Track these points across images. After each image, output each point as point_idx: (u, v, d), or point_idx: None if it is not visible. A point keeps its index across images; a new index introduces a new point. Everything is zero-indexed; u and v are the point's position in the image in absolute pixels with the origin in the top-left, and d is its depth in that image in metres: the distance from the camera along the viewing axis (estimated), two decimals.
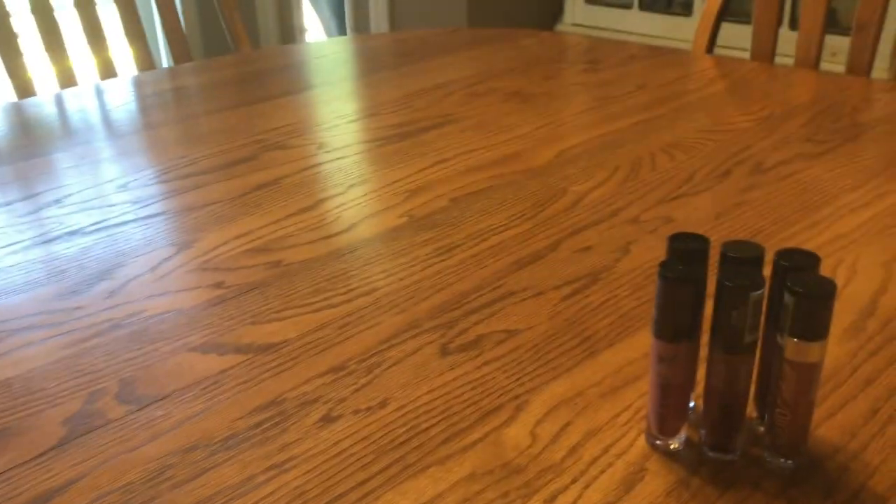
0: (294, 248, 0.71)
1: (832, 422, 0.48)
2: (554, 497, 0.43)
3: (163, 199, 0.82)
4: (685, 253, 0.44)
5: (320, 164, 0.90)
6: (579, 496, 0.43)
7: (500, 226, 0.73)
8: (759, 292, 0.41)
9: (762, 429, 0.46)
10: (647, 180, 0.81)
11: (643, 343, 0.55)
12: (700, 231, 0.72)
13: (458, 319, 0.59)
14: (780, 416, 0.43)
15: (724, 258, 0.44)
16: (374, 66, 1.31)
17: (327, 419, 0.49)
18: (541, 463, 0.45)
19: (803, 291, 0.40)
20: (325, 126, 1.02)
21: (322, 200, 0.80)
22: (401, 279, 0.65)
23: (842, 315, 0.57)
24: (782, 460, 0.44)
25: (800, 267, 0.43)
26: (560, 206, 0.77)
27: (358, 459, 0.46)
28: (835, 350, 0.53)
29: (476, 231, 0.72)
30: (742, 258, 0.44)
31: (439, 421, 0.49)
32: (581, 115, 1.02)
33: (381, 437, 0.48)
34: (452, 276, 0.65)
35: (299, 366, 0.55)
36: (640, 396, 0.50)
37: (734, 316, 0.41)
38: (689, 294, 0.42)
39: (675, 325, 0.42)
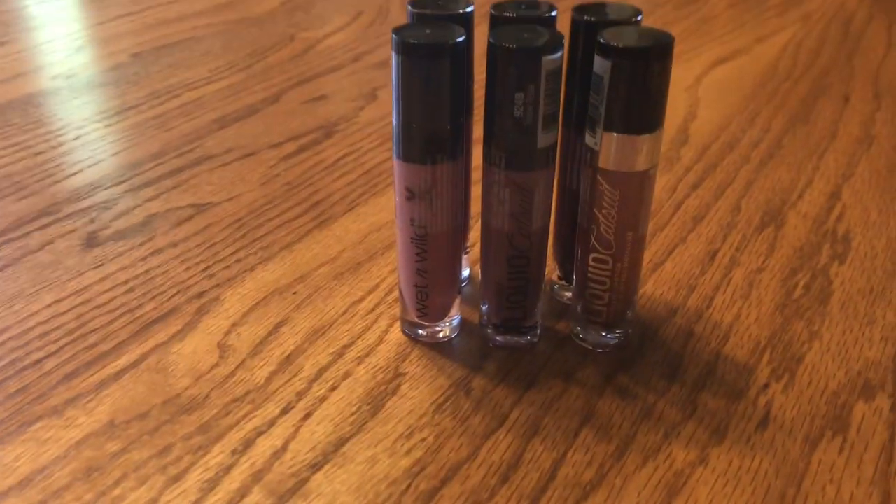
0: None
1: (661, 274, 0.33)
2: (250, 442, 0.25)
3: None
4: (435, 22, 0.26)
5: None
6: (294, 435, 0.25)
7: (200, 80, 0.53)
8: (556, 56, 0.24)
9: (569, 294, 0.31)
10: (399, 23, 0.64)
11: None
12: None
13: (118, 197, 0.39)
14: (598, 267, 0.27)
15: (497, 20, 0.27)
16: None
17: None
18: (231, 390, 0.27)
19: (625, 49, 0.24)
20: None
21: None
22: (36, 153, 0.43)
23: None
24: (603, 334, 0.29)
25: (614, 22, 0.27)
26: (285, 54, 0.57)
27: None
28: None
29: (163, 88, 0.51)
30: (523, 17, 0.27)
31: (65, 346, 0.29)
32: None
33: None
34: (119, 144, 0.44)
35: None
36: (394, 271, 0.33)
37: (519, 103, 0.24)
38: (446, 75, 0.25)
39: (426, 133, 0.25)
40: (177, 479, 0.24)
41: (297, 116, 0.47)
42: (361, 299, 0.32)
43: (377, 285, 0.33)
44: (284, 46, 0.58)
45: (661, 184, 0.40)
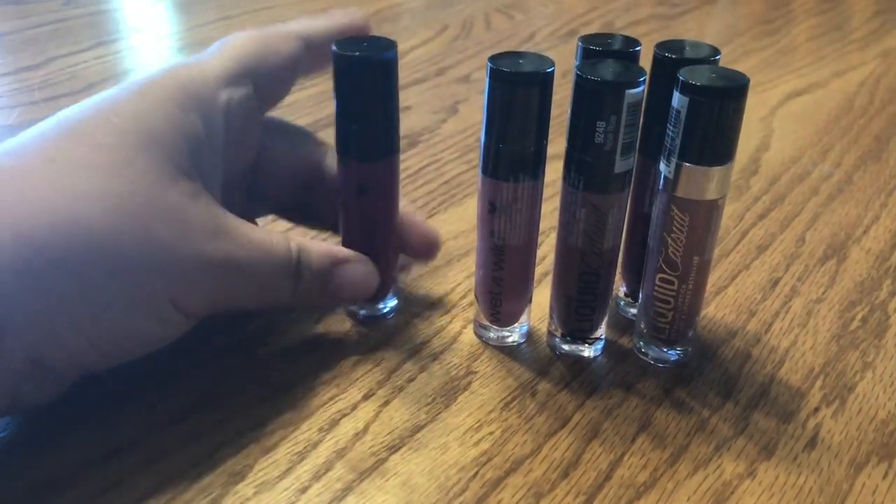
0: (2, 111, 0.51)
1: (723, 298, 0.35)
2: (335, 422, 0.28)
3: None
4: (518, 58, 0.29)
5: (62, 20, 0.69)
6: (374, 419, 0.28)
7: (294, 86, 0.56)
8: (638, 90, 0.26)
9: (634, 311, 0.33)
10: (481, 40, 0.67)
11: (472, 213, 0.41)
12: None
13: None
14: (663, 287, 0.29)
15: (585, 52, 0.29)
16: None
17: None
18: (320, 375, 0.30)
19: (703, 87, 0.26)
20: None
21: (54, 59, 0.60)
22: None
23: None
24: (664, 350, 0.31)
25: (693, 59, 0.29)
26: None
27: None
28: None
29: None
30: (609, 50, 0.29)
31: None
32: None
33: None
34: None
35: None
36: (469, 276, 0.36)
37: (601, 130, 0.26)
38: (532, 101, 0.27)
39: (512, 152, 0.28)
40: (269, 449, 0.26)
41: None
42: (437, 301, 0.34)
43: (453, 289, 0.35)
44: None
45: (729, 211, 0.41)
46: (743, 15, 0.76)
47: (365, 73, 0.28)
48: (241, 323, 0.32)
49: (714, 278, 0.36)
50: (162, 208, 0.25)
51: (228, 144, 0.29)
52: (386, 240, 0.32)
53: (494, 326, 0.32)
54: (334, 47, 0.28)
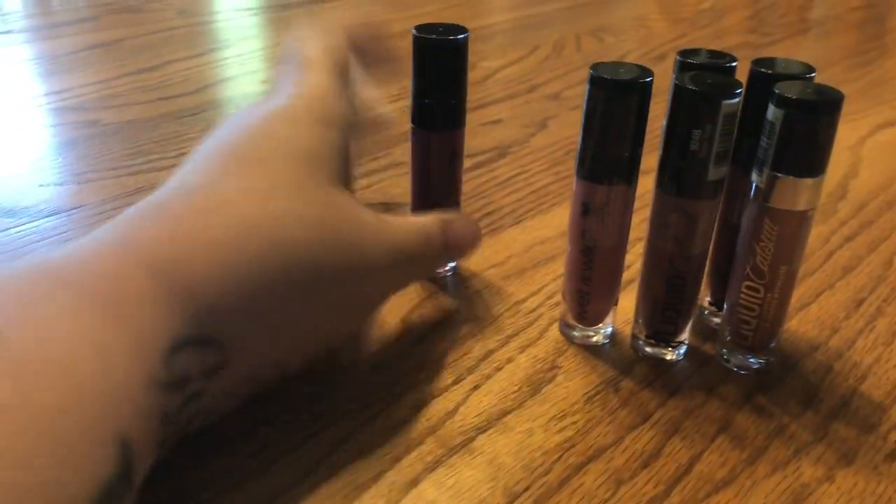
0: (119, 108, 0.55)
1: (807, 314, 0.36)
2: (427, 403, 0.29)
3: None
4: (618, 68, 0.30)
5: (175, 27, 0.73)
6: (463, 401, 0.29)
7: (389, 96, 0.59)
8: (734, 101, 0.27)
9: (717, 320, 0.34)
10: (571, 60, 0.68)
11: (560, 221, 0.42)
12: None
13: None
14: (750, 295, 0.30)
15: (683, 65, 0.31)
16: None
17: None
18: (413, 359, 0.32)
19: (799, 101, 0.27)
20: None
21: (169, 62, 0.64)
22: None
23: None
24: (747, 358, 0.32)
25: (788, 75, 0.30)
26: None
27: None
28: None
29: None
30: (706, 64, 0.30)
31: None
32: None
33: None
34: None
35: None
36: (555, 279, 0.37)
37: (696, 138, 0.28)
38: (630, 108, 0.28)
39: (607, 156, 0.29)
40: (370, 420, 0.28)
41: (476, 136, 0.52)
42: (525, 299, 0.36)
43: (539, 289, 0.36)
44: None
45: (815, 233, 0.42)
46: (835, 46, 0.76)
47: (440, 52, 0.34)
48: None
49: (798, 295, 0.37)
50: (345, 218, 0.27)
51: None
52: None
53: (580, 325, 0.33)
54: (414, 31, 0.33)
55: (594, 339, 0.33)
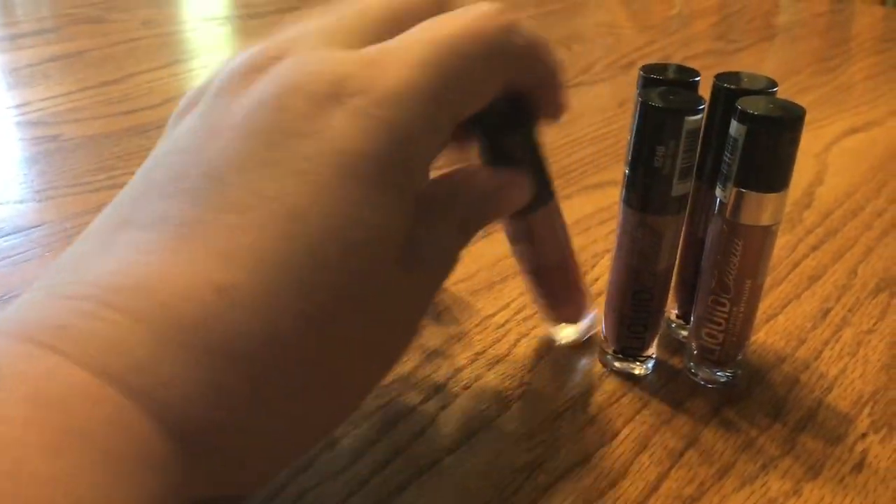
0: (82, 122, 0.54)
1: (773, 325, 0.36)
2: (392, 423, 0.29)
3: None
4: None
5: (140, 38, 0.72)
6: (431, 421, 0.29)
7: None
8: (696, 117, 0.27)
9: (685, 333, 0.34)
10: None
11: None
12: (599, 120, 0.58)
13: None
14: (716, 309, 0.30)
15: (646, 80, 0.31)
16: None
17: None
18: None
19: (761, 117, 0.27)
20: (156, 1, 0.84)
21: (132, 74, 0.63)
22: None
23: None
24: (714, 372, 0.32)
25: (750, 90, 0.30)
26: None
27: None
28: None
29: None
30: (669, 80, 0.30)
31: None
32: None
33: None
34: None
35: (53, 253, 0.39)
36: (522, 294, 0.37)
37: (660, 155, 0.28)
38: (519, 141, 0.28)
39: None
40: (334, 443, 0.28)
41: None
42: (493, 314, 0.35)
43: (508, 304, 0.36)
44: None
45: (781, 242, 0.42)
46: (801, 52, 0.77)
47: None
48: None
49: (765, 306, 0.37)
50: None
51: None
52: None
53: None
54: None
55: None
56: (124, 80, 0.62)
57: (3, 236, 0.40)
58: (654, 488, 0.27)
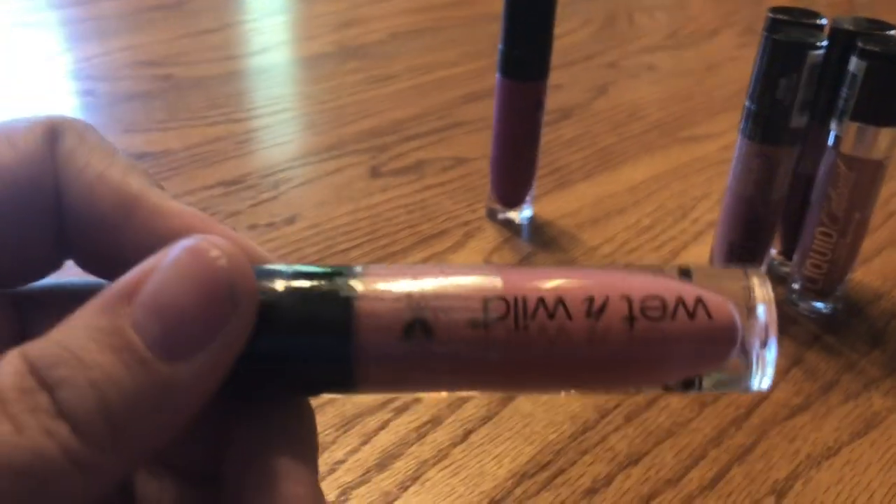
0: (189, 65, 0.57)
1: (870, 267, 0.37)
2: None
3: (41, 12, 0.66)
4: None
5: None
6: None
7: (449, 62, 0.60)
8: (819, 52, 0.29)
9: (786, 269, 0.35)
10: (625, 33, 0.69)
11: (627, 177, 0.44)
12: (690, 81, 0.59)
13: (393, 144, 0.46)
14: (822, 240, 0.32)
15: (773, 21, 0.32)
16: None
17: None
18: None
19: (881, 53, 0.28)
20: None
21: (231, 24, 0.66)
22: (322, 102, 0.52)
23: None
24: (815, 303, 0.33)
25: (869, 32, 0.31)
26: None
27: None
28: None
29: (420, 64, 0.59)
30: (794, 21, 0.32)
31: (362, 242, 0.37)
32: None
33: (288, 253, 0.35)
34: (387, 104, 0.52)
35: (180, 177, 0.42)
36: (626, 229, 0.39)
37: (783, 87, 0.29)
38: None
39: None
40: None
41: None
42: (599, 246, 0.37)
43: (613, 236, 0.38)
44: None
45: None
46: None
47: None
48: (421, 248, 0.36)
49: (862, 250, 0.38)
50: None
51: None
52: None
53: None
54: None
55: None
56: (223, 29, 0.64)
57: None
58: (765, 397, 0.29)
